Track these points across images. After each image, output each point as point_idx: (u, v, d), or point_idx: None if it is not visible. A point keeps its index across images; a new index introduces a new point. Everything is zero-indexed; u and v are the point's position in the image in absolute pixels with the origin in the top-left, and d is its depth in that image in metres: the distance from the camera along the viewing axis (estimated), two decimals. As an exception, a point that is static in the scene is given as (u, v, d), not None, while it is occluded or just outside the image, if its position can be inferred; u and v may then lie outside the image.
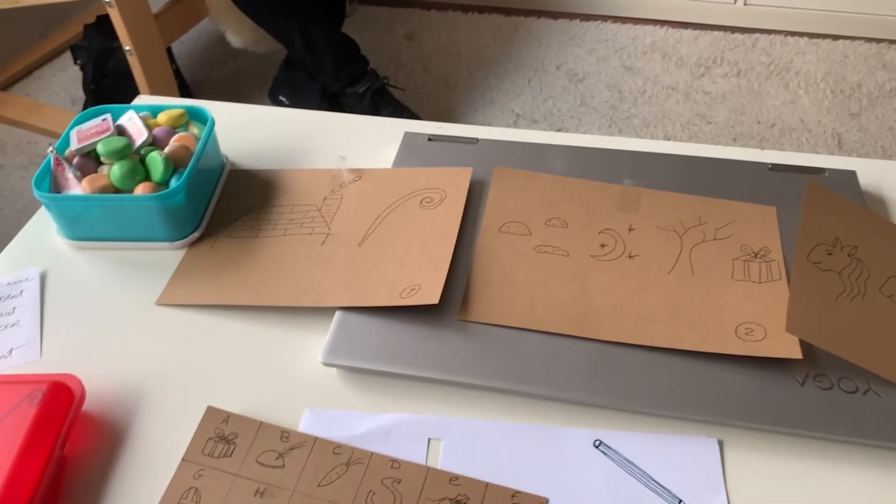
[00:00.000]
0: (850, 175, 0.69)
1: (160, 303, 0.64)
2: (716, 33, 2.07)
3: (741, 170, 0.71)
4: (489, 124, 1.78)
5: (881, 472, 0.50)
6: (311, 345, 0.60)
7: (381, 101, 1.66)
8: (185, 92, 1.80)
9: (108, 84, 1.68)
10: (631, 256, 0.63)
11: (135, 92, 1.59)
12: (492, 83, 1.91)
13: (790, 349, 0.54)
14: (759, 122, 1.77)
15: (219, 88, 1.92)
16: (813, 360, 0.54)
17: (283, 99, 1.79)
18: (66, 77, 1.99)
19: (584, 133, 1.74)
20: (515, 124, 1.78)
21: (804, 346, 0.54)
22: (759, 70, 1.93)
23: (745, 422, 0.52)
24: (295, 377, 0.58)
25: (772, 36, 2.04)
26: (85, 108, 1.74)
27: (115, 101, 1.73)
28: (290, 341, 0.60)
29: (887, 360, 0.53)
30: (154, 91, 1.53)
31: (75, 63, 1.75)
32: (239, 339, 0.61)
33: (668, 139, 1.72)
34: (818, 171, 0.70)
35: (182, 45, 2.04)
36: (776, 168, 0.70)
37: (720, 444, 0.53)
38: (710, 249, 0.63)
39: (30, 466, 0.49)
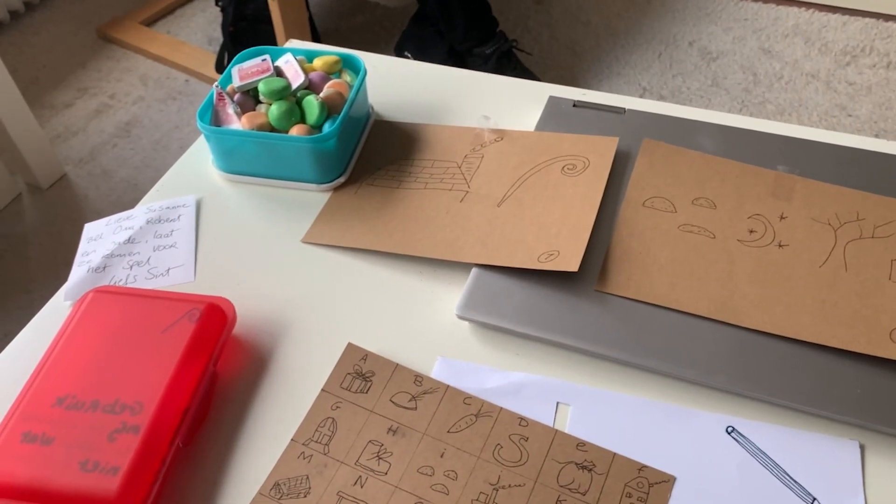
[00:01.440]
0: None
1: (306, 240, 0.67)
2: (867, 20, 1.93)
3: (907, 167, 0.66)
4: (613, 97, 1.74)
5: None
6: (445, 297, 0.61)
7: (507, 64, 1.65)
8: (315, 40, 1.84)
9: (245, 27, 1.74)
10: (781, 245, 0.60)
11: (270, 37, 1.64)
12: (619, 54, 1.86)
13: (952, 360, 0.51)
14: (906, 120, 1.65)
15: (346, 39, 1.96)
16: (975, 375, 0.51)
17: (409, 55, 1.80)
18: (205, 18, 2.08)
19: (713, 115, 1.68)
20: (642, 98, 1.73)
21: (966, 359, 0.51)
22: (913, 63, 1.79)
23: (892, 429, 0.50)
24: (429, 325, 0.60)
25: (931, 27, 1.89)
26: (221, 49, 1.81)
27: (251, 44, 1.79)
28: (425, 291, 0.62)
29: None
30: (289, 35, 1.58)
31: (217, 4, 1.82)
32: (378, 282, 0.63)
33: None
34: None
35: (316, -6, 2.08)
36: (948, 169, 0.66)
37: (862, 448, 0.51)
38: (867, 247, 0.60)
39: (188, 375, 0.53)
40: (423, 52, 1.76)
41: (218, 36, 1.94)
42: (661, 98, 1.73)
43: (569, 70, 1.82)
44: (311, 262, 0.65)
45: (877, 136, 1.62)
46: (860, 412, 0.51)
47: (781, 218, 0.62)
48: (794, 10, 1.98)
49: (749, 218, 0.63)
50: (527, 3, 2.05)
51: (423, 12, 1.72)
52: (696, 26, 1.94)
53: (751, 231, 0.62)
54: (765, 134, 0.70)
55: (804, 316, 0.55)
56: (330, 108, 0.70)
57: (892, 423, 0.50)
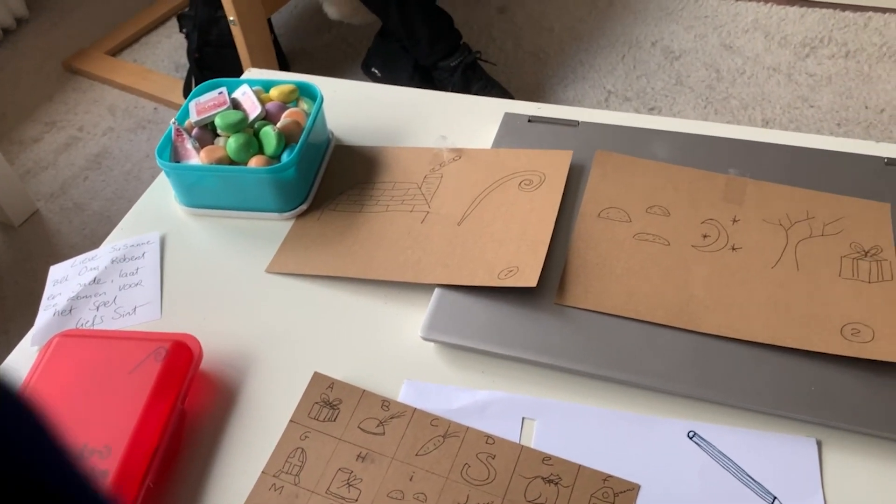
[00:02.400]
0: (975, 173, 0.66)
1: (270, 271, 0.67)
2: (824, 11, 1.96)
3: (854, 163, 0.68)
4: (580, 101, 1.76)
5: None
6: (410, 319, 0.62)
7: (473, 76, 1.66)
8: (281, 62, 1.84)
9: (210, 53, 1.74)
10: (734, 248, 0.62)
11: (236, 61, 1.64)
12: (584, 59, 1.88)
13: (900, 353, 0.52)
14: (866, 108, 1.68)
15: (313, 59, 1.97)
16: (924, 366, 0.53)
17: (376, 71, 1.81)
18: (171, 44, 2.08)
19: (679, 113, 1.70)
20: (607, 101, 1.75)
21: (915, 350, 0.53)
22: (871, 51, 1.82)
23: (847, 424, 0.51)
24: (394, 349, 0.60)
25: (887, 15, 1.92)
26: (188, 75, 1.81)
27: (217, 69, 1.80)
28: (390, 314, 0.63)
29: None
30: (254, 61, 1.58)
31: (181, 31, 1.82)
32: (342, 308, 0.64)
33: (767, 122, 1.66)
34: (939, 167, 0.67)
35: (280, 16, 2.09)
36: (893, 162, 0.68)
37: (819, 444, 0.52)
38: (818, 245, 0.61)
39: (156, 414, 0.53)
40: (390, 68, 1.77)
41: (185, 62, 1.94)
42: (627, 99, 1.75)
43: (534, 77, 1.84)
44: (275, 292, 0.66)
45: (838, 125, 1.64)
46: (816, 409, 0.52)
47: (734, 221, 0.64)
48: (752, 4, 2.01)
49: (702, 223, 0.64)
50: (490, 12, 2.07)
51: (386, 29, 1.73)
52: (658, 26, 1.96)
53: (704, 236, 0.63)
54: (716, 138, 0.72)
55: (758, 318, 0.57)
56: (287, 138, 0.71)
57: (847, 419, 0.51)
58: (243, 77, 0.84)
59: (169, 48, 2.06)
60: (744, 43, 1.89)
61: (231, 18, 1.50)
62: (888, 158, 0.68)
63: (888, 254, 0.60)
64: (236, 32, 1.52)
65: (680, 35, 1.93)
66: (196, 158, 0.71)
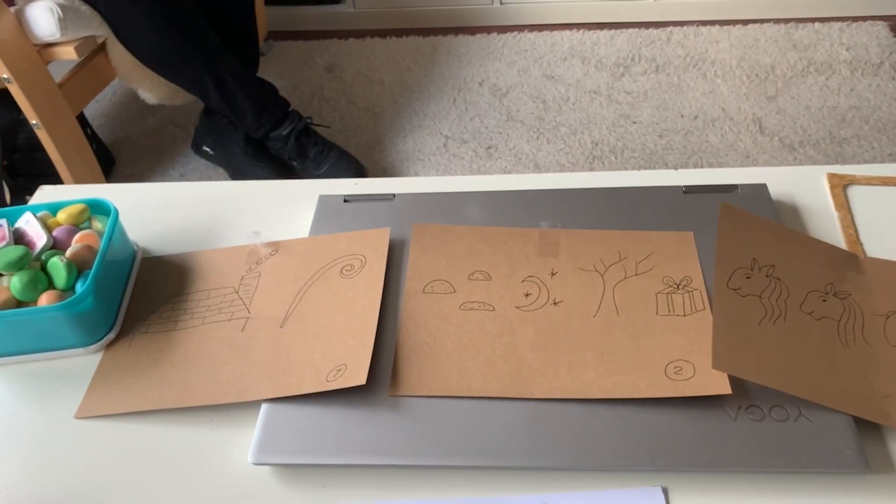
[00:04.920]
0: (762, 189, 0.70)
1: (80, 416, 0.61)
2: (631, 31, 2.10)
3: (657, 195, 0.71)
4: (419, 150, 1.77)
5: (820, 498, 0.51)
6: (241, 442, 0.58)
7: (308, 141, 1.64)
8: (103, 155, 1.74)
9: (21, 158, 1.62)
10: (556, 303, 0.62)
11: (51, 164, 1.53)
12: (417, 107, 1.90)
13: (719, 385, 0.54)
14: (682, 116, 1.79)
15: (139, 145, 1.87)
16: (744, 392, 0.54)
17: (207, 149, 1.75)
18: (-22, 153, 1.91)
19: (514, 148, 1.74)
20: (445, 146, 1.77)
21: (734, 377, 0.54)
22: (677, 63, 1.96)
23: (684, 467, 0.52)
24: (226, 480, 0.56)
25: (685, 28, 2.08)
26: None
27: (31, 175, 1.67)
28: (219, 441, 0.58)
29: (812, 382, 0.53)
30: (69, 160, 1.48)
31: (-16, 139, 1.68)
32: (165, 445, 0.58)
33: (596, 144, 1.73)
34: (730, 188, 0.70)
35: (97, 106, 1.98)
36: (690, 190, 0.71)
37: (665, 491, 0.52)
38: (633, 286, 0.63)
39: None
40: (222, 145, 1.71)
41: (-4, 171, 1.79)
42: (464, 142, 1.78)
43: (372, 132, 1.84)
44: (89, 439, 0.59)
45: (661, 136, 1.75)
46: (655, 458, 0.52)
47: (552, 274, 0.64)
48: (566, 33, 2.12)
49: (523, 281, 0.64)
50: (319, 72, 2.06)
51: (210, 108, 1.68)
52: (483, 66, 2.02)
53: (526, 294, 0.63)
54: (525, 192, 0.73)
55: (587, 372, 0.57)
56: (80, 265, 0.65)
57: (684, 463, 0.52)
58: (31, 202, 0.77)
59: (-24, 157, 1.90)
60: (564, 71, 1.98)
61: (34, 122, 1.39)
62: (686, 186, 0.71)
63: (697, 283, 0.62)
64: (42, 136, 1.42)
65: (504, 71, 2.00)
66: (-23, 306, 0.63)
